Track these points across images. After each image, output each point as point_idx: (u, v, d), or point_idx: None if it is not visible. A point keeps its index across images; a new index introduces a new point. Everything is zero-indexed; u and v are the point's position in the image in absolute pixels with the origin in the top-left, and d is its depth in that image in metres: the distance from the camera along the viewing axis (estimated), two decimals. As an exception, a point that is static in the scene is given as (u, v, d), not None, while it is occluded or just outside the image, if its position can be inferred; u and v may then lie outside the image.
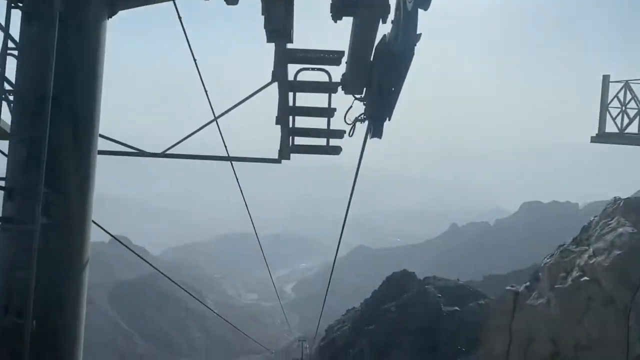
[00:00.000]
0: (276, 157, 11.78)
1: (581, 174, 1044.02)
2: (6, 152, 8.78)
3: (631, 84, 26.05)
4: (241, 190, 17.92)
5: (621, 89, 26.28)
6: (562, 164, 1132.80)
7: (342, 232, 13.01)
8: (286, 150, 11.00)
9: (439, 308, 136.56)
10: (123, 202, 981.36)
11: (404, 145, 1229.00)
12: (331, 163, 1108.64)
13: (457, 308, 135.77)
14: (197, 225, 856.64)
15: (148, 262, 18.70)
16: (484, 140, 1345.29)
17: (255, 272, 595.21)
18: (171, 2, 9.31)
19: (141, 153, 11.04)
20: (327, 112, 11.06)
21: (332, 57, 10.16)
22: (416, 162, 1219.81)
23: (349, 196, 11.39)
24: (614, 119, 27.14)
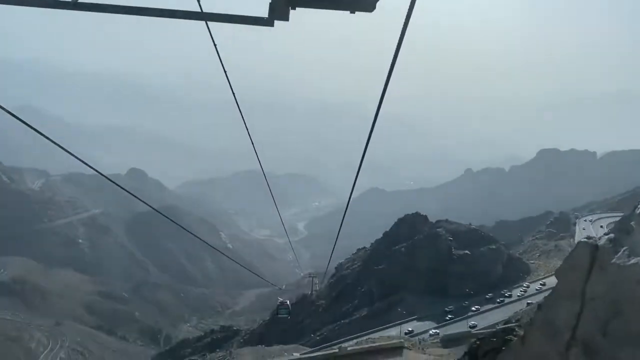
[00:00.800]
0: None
1: (601, 123, 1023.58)
2: None
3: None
4: (247, 129, 16.54)
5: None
6: (583, 113, 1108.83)
7: (359, 170, 12.34)
8: (282, 4, 6.25)
9: (449, 251, 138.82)
10: (140, 134, 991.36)
11: (425, 92, 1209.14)
12: (351, 104, 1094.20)
13: (467, 252, 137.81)
14: (214, 161, 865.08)
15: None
16: (504, 88, 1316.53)
17: (269, 209, 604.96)
18: None
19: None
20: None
21: None
22: (435, 108, 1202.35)
23: (361, 139, 10.65)
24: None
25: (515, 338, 34.23)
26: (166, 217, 16.42)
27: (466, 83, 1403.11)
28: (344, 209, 17.90)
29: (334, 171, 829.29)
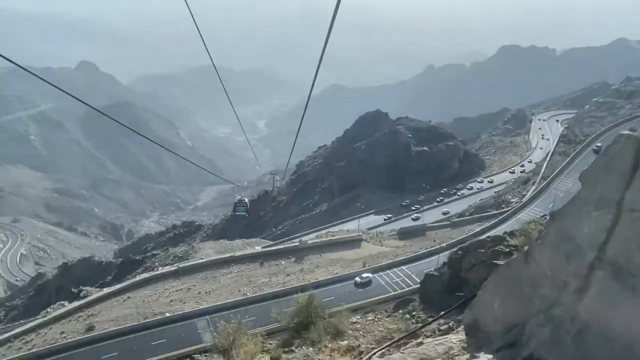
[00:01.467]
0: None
1: (562, 20, 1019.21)
2: None
3: None
4: (195, 22, 15.31)
5: None
6: (544, 8, 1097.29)
7: (318, 66, 11.73)
8: None
9: (408, 148, 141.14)
10: (90, 25, 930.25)
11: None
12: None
13: (426, 148, 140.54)
14: (168, 55, 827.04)
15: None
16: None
17: (229, 106, 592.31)
18: None
19: None
20: None
21: None
22: (398, 2, 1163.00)
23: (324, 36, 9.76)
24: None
25: (507, 250, 31.98)
26: (112, 118, 15.26)
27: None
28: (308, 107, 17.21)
29: (296, 67, 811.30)
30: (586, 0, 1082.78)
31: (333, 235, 79.26)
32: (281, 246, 76.89)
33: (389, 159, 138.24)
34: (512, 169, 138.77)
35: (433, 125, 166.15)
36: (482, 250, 35.18)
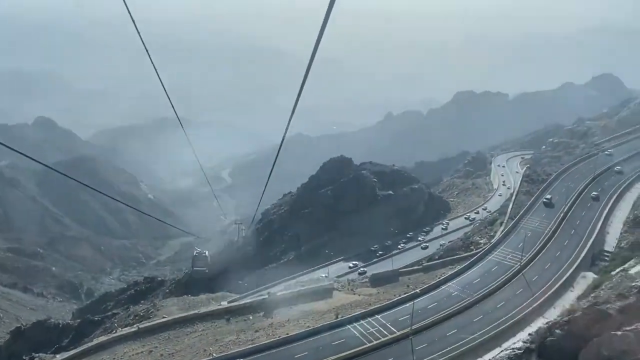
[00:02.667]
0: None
1: (513, 66, 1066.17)
2: None
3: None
4: (157, 73, 14.50)
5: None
6: (497, 56, 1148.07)
7: (290, 118, 12.86)
8: None
9: (374, 192, 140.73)
10: (49, 79, 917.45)
11: (347, 36, 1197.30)
12: (274, 48, 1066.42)
13: (391, 192, 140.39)
14: (129, 108, 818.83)
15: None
16: (423, 30, 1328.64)
17: (192, 157, 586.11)
18: None
19: None
20: None
21: None
22: (357, 53, 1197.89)
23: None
24: None
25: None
26: (65, 175, 13.31)
27: (386, 28, 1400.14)
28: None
29: (259, 117, 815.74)
30: (533, 49, 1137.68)
31: (303, 286, 76.30)
32: (248, 300, 73.49)
33: (355, 204, 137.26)
34: (468, 214, 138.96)
35: (397, 169, 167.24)
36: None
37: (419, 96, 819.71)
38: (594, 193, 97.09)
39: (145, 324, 61.70)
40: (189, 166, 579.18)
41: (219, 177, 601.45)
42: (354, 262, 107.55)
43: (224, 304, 72.81)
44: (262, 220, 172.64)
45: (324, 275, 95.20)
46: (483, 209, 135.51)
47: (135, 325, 62.48)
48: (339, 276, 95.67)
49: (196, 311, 65.69)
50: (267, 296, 70.26)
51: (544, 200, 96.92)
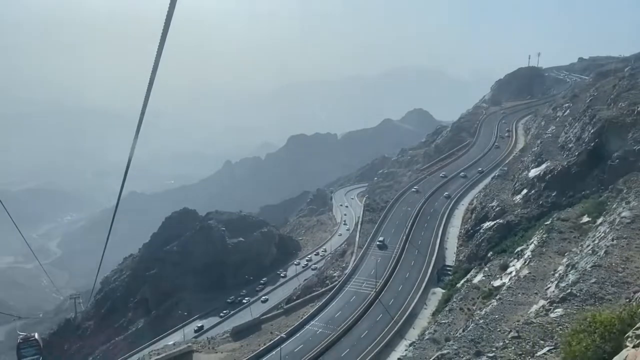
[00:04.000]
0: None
1: (338, 107, 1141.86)
2: None
3: None
4: None
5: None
6: (321, 99, 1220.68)
7: (124, 178, 12.44)
8: None
9: (223, 241, 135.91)
10: None
11: (177, 88, 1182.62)
12: (85, 107, 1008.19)
13: (242, 239, 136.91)
14: None
15: None
16: (250, 79, 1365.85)
17: (9, 232, 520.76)
18: None
19: None
20: None
21: None
22: (190, 104, 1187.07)
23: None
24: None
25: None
26: None
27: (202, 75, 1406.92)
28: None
29: (81, 179, 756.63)
30: (351, 90, 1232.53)
31: (158, 354, 69.19)
32: (96, 381, 64.51)
33: (205, 257, 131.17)
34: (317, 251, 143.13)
35: (245, 214, 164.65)
36: None
37: (256, 143, 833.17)
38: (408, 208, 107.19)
39: None
40: (6, 243, 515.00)
41: (47, 249, 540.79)
42: (198, 325, 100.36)
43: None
44: (102, 289, 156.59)
45: (173, 341, 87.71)
46: (323, 251, 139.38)
47: None
48: (196, 337, 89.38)
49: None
50: (117, 374, 62.49)
51: (377, 242, 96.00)
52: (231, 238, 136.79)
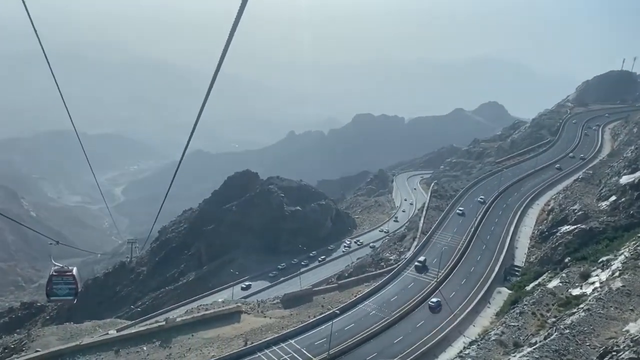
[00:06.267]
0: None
1: (410, 89, 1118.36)
2: None
3: None
4: (56, 82, 15.14)
5: None
6: (393, 79, 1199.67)
7: (191, 134, 12.10)
8: None
9: (281, 207, 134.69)
10: None
11: (252, 53, 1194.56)
12: (170, 64, 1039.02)
13: (299, 208, 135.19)
14: (14, 120, 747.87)
15: None
16: (326, 53, 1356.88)
17: (80, 173, 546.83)
18: None
19: None
20: None
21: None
22: (259, 71, 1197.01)
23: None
24: None
25: None
26: None
27: (284, 48, 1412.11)
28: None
29: (154, 132, 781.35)
30: (425, 74, 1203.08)
31: (206, 309, 68.13)
32: (142, 327, 64.18)
33: (261, 220, 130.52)
34: (380, 228, 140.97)
35: (305, 184, 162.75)
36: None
37: (321, 117, 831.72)
38: (481, 197, 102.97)
39: (13, 361, 50.98)
40: (75, 183, 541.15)
41: (112, 193, 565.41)
42: (246, 283, 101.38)
43: (112, 332, 63.11)
44: (158, 238, 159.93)
45: (222, 299, 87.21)
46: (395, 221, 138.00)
47: (-1, 363, 51.52)
48: (246, 297, 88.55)
49: (78, 342, 55.77)
50: (163, 322, 61.73)
51: (458, 211, 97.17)
52: (289, 205, 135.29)
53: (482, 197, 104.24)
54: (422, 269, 74.84)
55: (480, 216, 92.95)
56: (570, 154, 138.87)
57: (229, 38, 8.28)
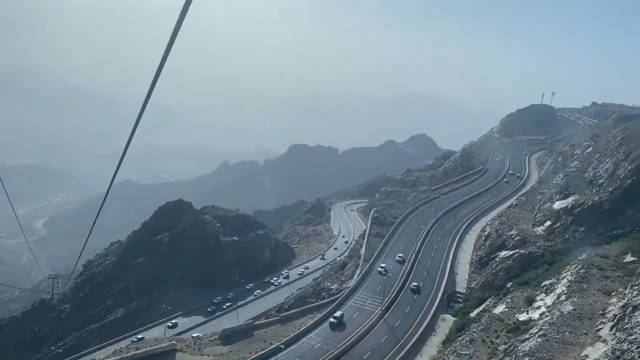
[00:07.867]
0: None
1: (342, 122, 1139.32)
2: None
3: None
4: None
5: None
6: (328, 112, 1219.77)
7: (119, 165, 11.87)
8: None
9: (217, 238, 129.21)
10: None
11: (189, 85, 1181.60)
12: (99, 91, 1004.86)
13: (236, 238, 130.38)
14: None
15: None
16: (263, 85, 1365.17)
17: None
18: None
19: None
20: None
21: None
22: (195, 102, 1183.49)
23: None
24: None
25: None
26: None
27: (223, 77, 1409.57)
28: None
29: (77, 161, 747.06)
30: (356, 107, 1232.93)
31: (137, 349, 62.56)
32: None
33: (196, 252, 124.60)
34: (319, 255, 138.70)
35: (242, 213, 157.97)
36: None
37: (256, 148, 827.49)
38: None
39: None
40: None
41: (32, 227, 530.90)
42: (172, 322, 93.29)
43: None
44: (83, 273, 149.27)
45: (158, 333, 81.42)
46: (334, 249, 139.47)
47: None
48: (179, 334, 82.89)
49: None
50: (89, 365, 56.06)
51: (379, 269, 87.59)
52: (225, 236, 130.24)
53: (420, 226, 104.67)
54: (338, 325, 67.30)
55: (420, 242, 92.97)
56: (505, 179, 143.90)
57: (158, 68, 8.37)
